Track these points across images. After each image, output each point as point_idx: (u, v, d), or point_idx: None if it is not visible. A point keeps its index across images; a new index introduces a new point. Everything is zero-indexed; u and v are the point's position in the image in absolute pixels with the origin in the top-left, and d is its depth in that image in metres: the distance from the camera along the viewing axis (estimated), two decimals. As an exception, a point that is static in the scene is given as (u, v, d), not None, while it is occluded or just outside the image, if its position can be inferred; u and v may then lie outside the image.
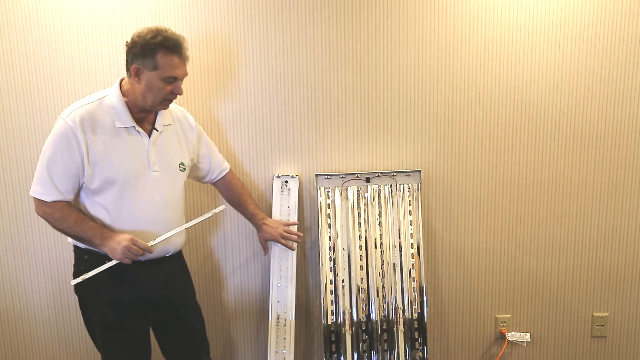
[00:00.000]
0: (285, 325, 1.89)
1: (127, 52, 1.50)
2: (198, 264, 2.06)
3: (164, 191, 1.60)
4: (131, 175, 1.54)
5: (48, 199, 1.50)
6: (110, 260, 1.52)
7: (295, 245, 1.94)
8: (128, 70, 1.52)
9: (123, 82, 1.57)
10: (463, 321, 2.17)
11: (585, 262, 2.13)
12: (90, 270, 1.53)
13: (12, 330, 2.09)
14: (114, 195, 1.52)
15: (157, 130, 1.60)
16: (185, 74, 1.55)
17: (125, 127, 1.53)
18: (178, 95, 1.55)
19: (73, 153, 1.47)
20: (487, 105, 2.00)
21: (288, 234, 1.90)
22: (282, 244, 1.90)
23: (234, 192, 1.88)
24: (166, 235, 1.59)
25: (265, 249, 1.94)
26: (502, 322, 2.16)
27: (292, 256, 1.94)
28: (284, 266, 1.93)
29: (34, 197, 1.52)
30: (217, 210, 1.69)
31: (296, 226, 1.96)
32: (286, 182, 1.98)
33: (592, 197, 2.08)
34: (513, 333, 2.15)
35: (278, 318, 1.90)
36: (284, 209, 1.97)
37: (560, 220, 2.10)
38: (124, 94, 1.54)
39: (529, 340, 2.15)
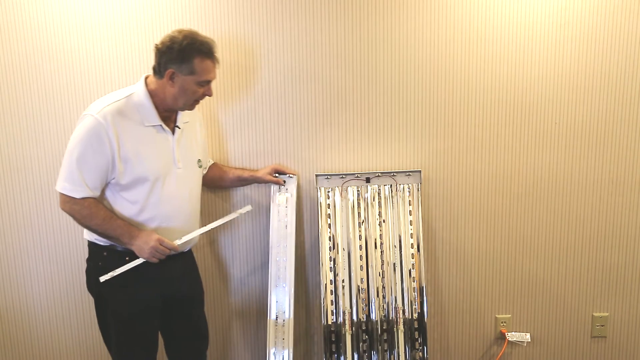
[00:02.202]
0: (284, 326, 1.89)
1: (160, 55, 1.53)
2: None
3: (186, 187, 1.66)
4: (161, 172, 1.57)
5: (77, 195, 1.50)
6: (136, 257, 1.56)
7: (285, 180, 1.96)
8: (156, 71, 1.56)
9: (148, 81, 1.59)
10: (463, 321, 2.17)
11: (585, 262, 2.13)
12: (109, 266, 1.55)
13: (13, 330, 2.09)
14: (145, 191, 1.55)
15: (179, 128, 1.64)
16: (215, 77, 1.61)
17: (153, 126, 1.57)
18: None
19: (104, 150, 1.48)
20: (487, 106, 2.00)
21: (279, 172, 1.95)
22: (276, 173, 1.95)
23: (222, 174, 1.91)
24: (192, 234, 1.66)
25: (275, 180, 1.93)
26: (502, 322, 2.16)
27: (291, 256, 1.92)
28: (282, 266, 1.93)
29: (62, 194, 1.51)
30: (244, 210, 1.75)
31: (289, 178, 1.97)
32: (284, 181, 1.98)
33: (592, 197, 2.08)
34: (513, 333, 2.15)
35: (277, 318, 1.90)
36: (281, 208, 1.96)
37: (560, 220, 2.10)
38: (150, 93, 1.57)
39: (529, 340, 2.15)
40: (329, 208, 1.97)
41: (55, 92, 1.92)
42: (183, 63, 1.51)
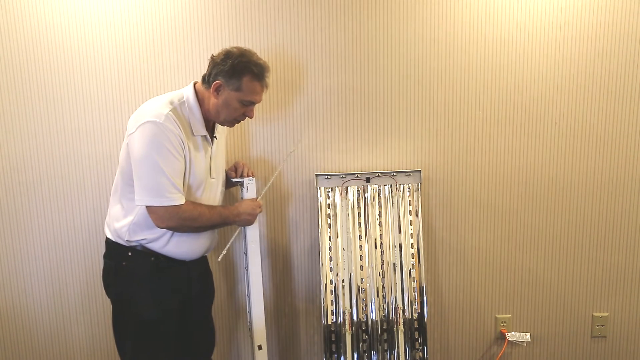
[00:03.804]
0: (252, 337, 1.85)
1: (213, 66, 1.54)
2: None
3: (216, 197, 1.68)
4: (200, 181, 1.58)
5: (182, 201, 1.49)
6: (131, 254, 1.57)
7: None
8: (205, 80, 1.56)
9: (197, 88, 1.59)
10: (463, 321, 2.17)
11: (585, 262, 2.13)
12: (134, 265, 1.56)
13: (13, 330, 2.09)
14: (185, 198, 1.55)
15: (217, 138, 1.66)
16: (261, 101, 1.62)
17: (201, 135, 1.58)
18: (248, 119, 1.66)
19: (181, 152, 1.49)
20: (487, 105, 2.00)
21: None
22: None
23: None
24: (267, 187, 1.85)
25: (230, 175, 1.82)
26: (502, 322, 2.16)
27: (254, 264, 1.79)
28: (247, 274, 1.83)
29: (164, 207, 1.46)
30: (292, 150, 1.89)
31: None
32: (242, 183, 1.78)
33: (592, 197, 2.08)
34: (513, 333, 2.15)
35: (250, 329, 1.87)
36: None
37: (560, 219, 2.10)
38: (199, 101, 1.57)
39: (529, 340, 2.15)
40: (329, 208, 1.97)
41: (56, 92, 1.92)
42: (232, 78, 1.52)
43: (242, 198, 1.80)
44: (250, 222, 1.70)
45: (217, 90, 1.54)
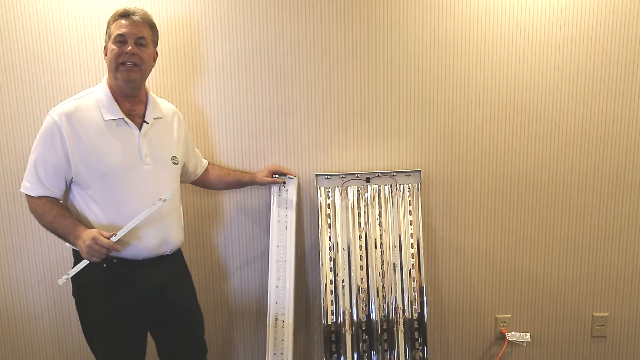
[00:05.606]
0: (283, 327, 1.88)
1: None
2: (198, 264, 2.06)
3: (156, 185, 1.58)
4: (121, 168, 1.53)
5: (33, 193, 1.51)
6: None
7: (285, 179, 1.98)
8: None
9: (107, 77, 1.60)
10: (463, 321, 2.17)
11: (585, 262, 2.13)
12: (85, 272, 1.47)
13: (11, 331, 2.09)
14: (105, 188, 1.51)
15: (148, 123, 1.60)
16: (136, 34, 1.52)
17: (114, 119, 1.54)
18: (133, 60, 1.52)
19: (57, 148, 1.48)
20: (487, 105, 2.00)
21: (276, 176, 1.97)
22: (273, 180, 1.95)
23: (221, 175, 1.92)
24: (125, 228, 1.47)
25: (274, 180, 1.95)
26: (502, 322, 2.16)
27: (291, 257, 1.92)
28: (281, 267, 1.93)
29: (22, 192, 1.54)
30: (165, 196, 1.53)
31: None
32: (284, 183, 1.98)
33: (592, 197, 2.08)
34: (513, 333, 2.15)
35: (276, 319, 1.89)
36: (281, 209, 1.96)
37: (561, 220, 2.10)
38: (110, 86, 1.57)
39: (529, 340, 2.15)
40: (329, 208, 1.97)
41: (56, 92, 1.92)
42: (107, 32, 1.56)
43: (275, 196, 1.95)
44: (83, 253, 1.44)
45: (106, 54, 1.56)
